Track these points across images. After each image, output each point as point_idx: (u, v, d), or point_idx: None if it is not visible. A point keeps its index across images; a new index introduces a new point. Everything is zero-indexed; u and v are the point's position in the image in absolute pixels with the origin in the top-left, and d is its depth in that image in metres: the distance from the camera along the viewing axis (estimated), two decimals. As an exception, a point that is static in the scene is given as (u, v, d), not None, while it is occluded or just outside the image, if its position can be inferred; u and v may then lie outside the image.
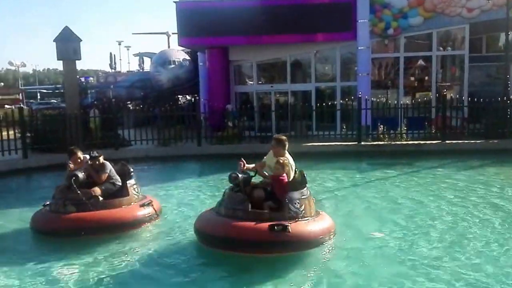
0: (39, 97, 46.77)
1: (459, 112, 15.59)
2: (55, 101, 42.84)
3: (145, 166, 12.34)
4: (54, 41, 14.62)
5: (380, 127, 14.62)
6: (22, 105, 21.67)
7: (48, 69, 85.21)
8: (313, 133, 16.42)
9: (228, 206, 5.89)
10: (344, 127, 15.70)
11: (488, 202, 8.16)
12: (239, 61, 19.23)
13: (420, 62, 18.42)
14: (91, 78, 48.37)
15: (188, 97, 31.42)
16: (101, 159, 7.34)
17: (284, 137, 6.47)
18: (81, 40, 14.89)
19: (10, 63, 50.03)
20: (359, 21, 16.91)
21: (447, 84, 18.73)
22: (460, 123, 15.45)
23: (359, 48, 17.07)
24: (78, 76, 53.06)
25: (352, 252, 5.95)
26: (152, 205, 7.27)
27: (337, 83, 18.17)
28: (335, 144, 14.27)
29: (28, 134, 14.17)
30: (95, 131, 15.57)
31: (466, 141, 14.07)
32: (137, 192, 7.39)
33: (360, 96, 14.96)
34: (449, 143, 14.05)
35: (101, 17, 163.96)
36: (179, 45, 19.82)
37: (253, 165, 6.35)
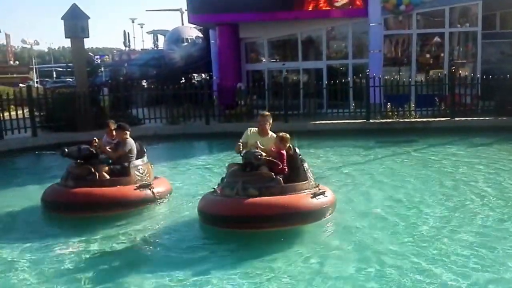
0: (54, 75, 47.26)
1: (470, 89, 15.44)
2: (70, 79, 43.30)
3: (154, 145, 12.57)
4: (62, 18, 14.68)
5: (388, 105, 14.57)
6: (30, 84, 21.85)
7: (63, 47, 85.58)
8: (326, 111, 16.46)
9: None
10: (353, 105, 15.69)
11: (493, 181, 8.16)
12: (250, 39, 19.19)
13: (437, 39, 18.14)
14: (106, 57, 48.63)
15: (203, 76, 31.55)
16: (127, 134, 7.45)
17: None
18: (89, 18, 14.92)
19: (23, 41, 50.56)
20: (371, -3, 16.72)
21: (461, 61, 18.47)
22: (471, 100, 15.32)
23: (370, 24, 16.90)
24: (92, 55, 53.44)
25: (349, 228, 6.05)
26: (151, 188, 7.13)
27: (349, 61, 18.07)
28: (343, 122, 14.33)
29: (39, 113, 14.49)
30: (105, 110, 15.79)
31: (475, 118, 14.03)
32: (141, 173, 7.31)
33: (368, 73, 14.89)
34: (458, 120, 14.01)
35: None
36: (189, 22, 19.86)
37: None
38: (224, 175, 6.45)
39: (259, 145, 6.09)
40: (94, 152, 7.25)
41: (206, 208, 6.13)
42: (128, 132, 7.46)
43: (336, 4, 17.25)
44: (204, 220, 6.17)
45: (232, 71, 18.72)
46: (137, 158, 7.52)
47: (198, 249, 5.60)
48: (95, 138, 7.38)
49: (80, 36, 14.85)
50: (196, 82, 31.47)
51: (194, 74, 33.19)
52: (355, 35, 18.04)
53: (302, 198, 5.99)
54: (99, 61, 45.76)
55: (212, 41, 21.04)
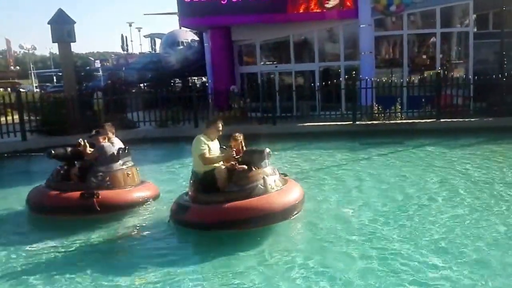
0: (55, 80, 47.42)
1: (461, 90, 15.36)
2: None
3: (142, 148, 12.61)
4: (48, 23, 14.80)
5: (375, 106, 14.56)
6: (19, 88, 21.95)
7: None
8: (319, 114, 16.44)
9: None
10: (342, 107, 15.73)
11: (471, 182, 8.16)
12: (243, 41, 19.21)
13: (433, 39, 18.10)
14: (108, 60, 48.69)
15: (203, 79, 31.59)
16: (100, 139, 7.42)
17: None
18: (75, 22, 15.06)
19: (21, 47, 50.72)
20: (361, -2, 16.70)
21: (454, 62, 18.41)
22: (462, 101, 15.25)
23: (360, 26, 16.87)
24: (93, 59, 53.19)
25: (314, 227, 6.19)
26: (96, 196, 6.78)
27: (341, 63, 18.05)
28: (330, 124, 14.34)
29: (35, 118, 14.62)
30: (99, 114, 15.87)
31: (460, 120, 13.99)
32: (99, 180, 7.07)
33: (354, 75, 14.92)
34: (443, 121, 13.99)
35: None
36: (180, 26, 19.87)
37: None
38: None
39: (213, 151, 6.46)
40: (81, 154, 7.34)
41: None
42: (102, 138, 7.41)
43: (327, 5, 17.25)
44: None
45: (226, 74, 18.77)
46: (116, 162, 7.38)
47: (170, 250, 5.72)
48: (80, 139, 7.42)
49: (67, 40, 15.00)
50: (191, 85, 31.60)
51: (194, 77, 33.28)
52: (347, 37, 18.01)
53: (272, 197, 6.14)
54: (99, 65, 45.85)
55: (205, 44, 21.08)
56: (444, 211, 6.62)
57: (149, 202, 7.35)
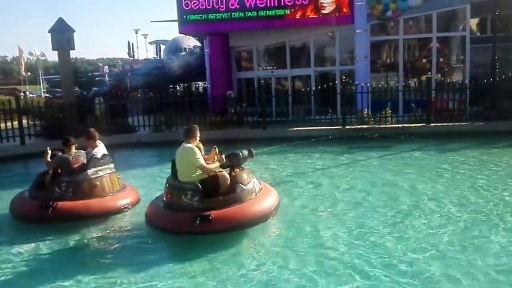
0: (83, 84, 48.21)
1: (457, 95, 15.36)
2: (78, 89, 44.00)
3: (132, 152, 12.82)
4: (48, 32, 15.17)
5: (365, 111, 14.63)
6: (19, 94, 22.25)
7: (76, 58, 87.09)
8: (314, 118, 16.56)
9: None
10: (330, 111, 15.91)
11: (456, 187, 8.13)
12: (240, 47, 19.39)
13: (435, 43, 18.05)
14: (115, 67, 49.18)
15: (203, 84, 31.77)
16: (69, 147, 7.42)
17: None
18: (74, 31, 15.41)
19: (30, 54, 51.54)
20: (357, 3, 16.74)
21: (452, 66, 18.37)
22: (458, 106, 15.24)
23: (356, 31, 16.92)
24: (102, 65, 53.55)
25: (290, 232, 6.22)
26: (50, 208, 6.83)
27: (336, 67, 18.12)
28: (319, 129, 14.41)
29: (40, 122, 15.03)
30: (100, 118, 16.10)
31: (451, 124, 13.98)
32: (62, 190, 7.09)
33: (345, 80, 15.02)
34: (433, 126, 14.00)
35: (124, 7, 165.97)
36: (179, 33, 20.09)
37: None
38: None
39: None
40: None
41: None
42: (67, 146, 7.42)
43: (323, 11, 17.33)
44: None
45: (223, 79, 18.93)
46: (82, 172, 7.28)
47: (142, 254, 5.78)
48: (48, 148, 7.49)
49: (66, 48, 15.32)
50: (193, 90, 31.75)
51: (199, 83, 33.52)
52: (343, 42, 18.08)
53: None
54: (107, 71, 46.28)
55: (205, 50, 21.31)
56: (417, 218, 6.63)
57: (125, 210, 7.33)
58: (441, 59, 17.60)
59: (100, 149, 7.60)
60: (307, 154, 11.81)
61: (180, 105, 15.96)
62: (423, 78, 17.60)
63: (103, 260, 5.67)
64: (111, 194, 7.44)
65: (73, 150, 7.45)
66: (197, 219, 5.91)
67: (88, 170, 7.23)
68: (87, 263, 5.70)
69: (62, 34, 15.08)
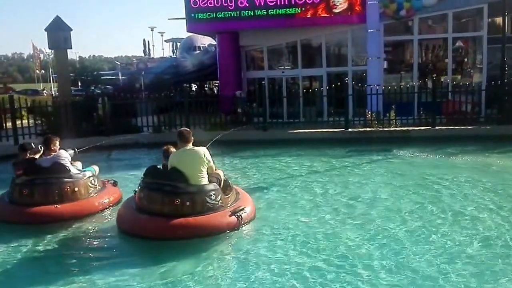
0: (79, 84, 48.32)
1: (470, 97, 14.78)
2: (93, 87, 44.12)
3: (124, 153, 12.61)
4: (45, 30, 14.98)
5: (368, 113, 14.23)
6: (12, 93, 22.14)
7: (94, 55, 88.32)
8: (328, 120, 16.06)
9: None
10: (333, 112, 15.58)
11: (446, 196, 7.65)
12: (250, 46, 19.07)
13: (459, 43, 17.48)
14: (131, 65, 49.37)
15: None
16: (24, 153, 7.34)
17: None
18: (72, 30, 15.20)
19: (41, 51, 52.12)
20: (369, 2, 16.22)
21: (469, 67, 17.75)
22: (472, 108, 14.65)
23: (369, 31, 16.42)
24: (119, 63, 53.78)
25: (269, 237, 5.95)
26: None
27: (348, 68, 17.65)
28: (322, 131, 13.98)
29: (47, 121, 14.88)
30: (103, 118, 15.90)
31: (456, 127, 13.46)
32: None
33: (347, 81, 14.90)
34: (438, 129, 13.51)
35: (143, 4, 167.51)
36: (187, 31, 19.87)
37: None
38: None
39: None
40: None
41: None
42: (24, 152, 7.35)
43: (335, 10, 16.92)
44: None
45: (233, 79, 18.67)
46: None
47: (113, 257, 5.59)
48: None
49: (63, 47, 15.14)
50: (208, 90, 31.52)
51: (216, 82, 33.29)
52: (356, 42, 17.61)
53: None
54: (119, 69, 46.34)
55: (218, 49, 21.06)
56: (402, 227, 6.20)
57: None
58: (465, 60, 17.01)
59: (60, 154, 7.27)
60: (301, 158, 11.37)
61: (186, 106, 15.63)
62: (437, 79, 17.04)
63: (68, 263, 5.46)
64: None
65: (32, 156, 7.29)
66: (237, 215, 6.06)
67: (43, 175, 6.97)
68: (49, 266, 5.47)
69: (58, 33, 14.88)
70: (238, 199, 6.57)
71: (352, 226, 6.28)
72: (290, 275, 4.83)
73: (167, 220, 5.89)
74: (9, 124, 14.59)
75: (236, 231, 6.00)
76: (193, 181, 6.08)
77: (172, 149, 6.49)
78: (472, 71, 17.57)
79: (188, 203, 5.97)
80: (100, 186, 7.55)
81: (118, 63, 58.05)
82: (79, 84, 49.83)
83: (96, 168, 7.82)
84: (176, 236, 5.79)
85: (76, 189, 7.02)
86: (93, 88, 25.16)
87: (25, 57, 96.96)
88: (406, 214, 6.67)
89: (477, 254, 5.20)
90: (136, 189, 6.50)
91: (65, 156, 7.26)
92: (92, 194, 7.25)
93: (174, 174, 6.11)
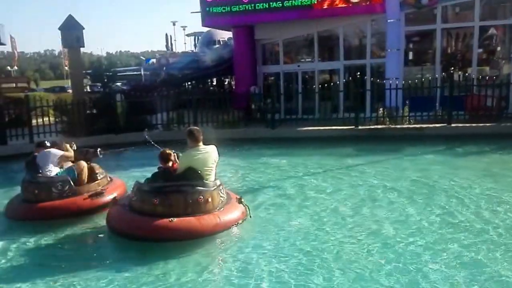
0: (105, 80, 48.85)
1: (497, 90, 13.78)
2: (118, 84, 44.42)
3: (129, 151, 12.25)
4: (58, 29, 15.06)
5: (380, 110, 13.52)
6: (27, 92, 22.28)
7: (120, 51, 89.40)
8: (343, 116, 15.39)
9: None
10: (342, 109, 14.94)
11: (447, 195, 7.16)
12: (266, 40, 18.52)
13: (492, 30, 16.47)
14: (152, 60, 49.61)
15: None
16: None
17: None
18: (84, 28, 15.30)
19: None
20: (388, -9, 15.44)
21: (498, 58, 16.68)
22: (495, 103, 13.66)
23: (388, 21, 15.60)
24: (144, 58, 53.88)
25: (258, 239, 5.73)
26: None
27: (367, 61, 16.85)
28: (330, 129, 13.35)
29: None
30: (121, 116, 15.75)
31: (473, 125, 12.57)
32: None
33: (358, 76, 14.12)
34: (454, 126, 12.65)
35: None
36: (202, 26, 19.47)
37: None
38: None
39: None
40: None
41: None
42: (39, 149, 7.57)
43: (353, 0, 16.15)
44: None
45: (247, 74, 18.19)
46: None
47: (102, 256, 5.57)
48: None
49: (76, 45, 15.20)
50: (227, 85, 31.04)
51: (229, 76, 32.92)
52: (375, 33, 16.80)
53: None
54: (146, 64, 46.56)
55: (233, 44, 20.59)
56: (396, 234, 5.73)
57: None
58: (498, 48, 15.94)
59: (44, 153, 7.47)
60: (305, 157, 10.83)
61: (194, 103, 15.25)
62: (463, 71, 16.08)
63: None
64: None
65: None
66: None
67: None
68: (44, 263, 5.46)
69: (71, 32, 14.98)
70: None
71: (349, 230, 5.95)
72: None
73: (199, 219, 5.76)
74: (33, 122, 14.64)
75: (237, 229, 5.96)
76: (206, 178, 6.08)
77: (169, 151, 6.45)
78: (503, 61, 16.49)
79: (209, 200, 5.95)
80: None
81: (144, 58, 58.40)
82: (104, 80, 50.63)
83: (81, 165, 7.53)
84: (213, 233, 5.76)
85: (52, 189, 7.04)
86: (110, 85, 25.04)
87: (56, 54, 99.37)
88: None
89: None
90: (135, 197, 6.13)
91: (49, 154, 7.38)
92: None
93: (192, 174, 6.01)
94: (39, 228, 6.41)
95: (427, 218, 6.21)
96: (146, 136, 7.84)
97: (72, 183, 7.11)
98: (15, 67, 53.02)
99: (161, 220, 5.66)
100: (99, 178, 7.56)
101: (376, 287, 4.34)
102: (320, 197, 7.46)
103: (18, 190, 7.44)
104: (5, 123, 13.83)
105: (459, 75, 15.61)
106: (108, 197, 7.07)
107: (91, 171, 7.61)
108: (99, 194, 7.09)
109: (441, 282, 4.42)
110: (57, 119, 15.25)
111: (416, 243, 5.36)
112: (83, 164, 7.58)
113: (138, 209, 5.96)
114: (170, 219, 5.65)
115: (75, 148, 7.85)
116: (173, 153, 6.44)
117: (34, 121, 14.60)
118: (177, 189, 5.85)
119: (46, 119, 14.75)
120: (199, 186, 5.90)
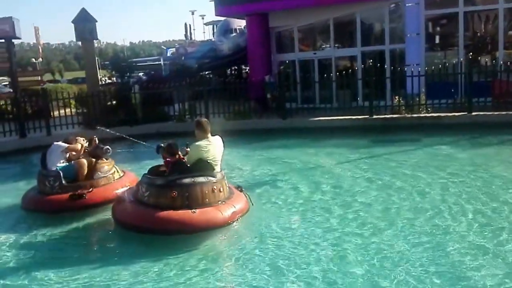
0: (126, 70, 48.94)
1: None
2: (141, 74, 44.46)
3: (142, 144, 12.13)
4: (72, 22, 15.11)
5: (395, 98, 12.93)
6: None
7: (143, 41, 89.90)
8: (363, 104, 14.86)
9: None
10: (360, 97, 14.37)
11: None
12: (280, 27, 18.05)
13: None
14: (172, 50, 49.47)
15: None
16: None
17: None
18: (97, 21, 15.37)
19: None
20: (407, -27, 14.73)
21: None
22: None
23: (406, 5, 14.92)
24: (165, 48, 53.79)
25: (257, 234, 5.58)
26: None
27: (385, 46, 16.18)
28: (343, 119, 12.85)
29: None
30: (136, 107, 15.62)
31: (495, 113, 11.86)
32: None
33: (371, 63, 13.60)
34: (475, 115, 11.97)
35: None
36: (216, 15, 19.10)
37: None
38: None
39: None
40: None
41: None
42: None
43: (370, -16, 15.51)
44: None
45: (262, 63, 17.77)
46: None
47: (103, 249, 5.72)
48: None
49: (89, 38, 15.30)
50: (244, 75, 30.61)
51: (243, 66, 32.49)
52: (393, 18, 16.12)
53: None
54: (168, 54, 46.45)
55: (247, 32, 20.17)
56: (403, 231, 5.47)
57: None
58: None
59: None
60: (317, 148, 10.48)
61: (205, 94, 14.96)
62: (491, 55, 15.25)
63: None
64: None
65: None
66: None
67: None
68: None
69: (84, 25, 15.05)
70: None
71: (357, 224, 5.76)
72: None
73: (218, 209, 5.77)
74: (55, 113, 14.86)
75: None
76: (214, 169, 6.10)
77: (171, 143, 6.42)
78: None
79: (221, 189, 5.99)
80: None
81: (164, 47, 58.39)
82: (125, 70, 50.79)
83: (81, 162, 7.40)
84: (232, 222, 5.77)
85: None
86: (127, 76, 24.98)
87: (80, 45, 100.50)
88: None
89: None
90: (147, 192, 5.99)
91: (54, 147, 7.47)
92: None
93: (203, 165, 6.00)
94: (50, 221, 6.53)
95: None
96: (144, 143, 8.03)
97: (62, 180, 7.09)
98: (40, 59, 53.83)
99: (182, 212, 5.63)
100: (104, 175, 7.45)
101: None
102: (327, 190, 7.26)
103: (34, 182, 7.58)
104: (24, 116, 13.94)
105: (486, 60, 14.83)
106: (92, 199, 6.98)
107: (94, 168, 7.48)
108: (80, 196, 6.92)
109: None
110: (78, 111, 15.32)
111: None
112: (83, 161, 7.46)
113: (153, 203, 5.86)
114: (192, 211, 5.62)
115: (86, 144, 7.77)
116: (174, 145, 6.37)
117: (55, 113, 14.78)
118: (194, 181, 5.78)
119: (67, 110, 14.93)
120: (212, 177, 5.90)
